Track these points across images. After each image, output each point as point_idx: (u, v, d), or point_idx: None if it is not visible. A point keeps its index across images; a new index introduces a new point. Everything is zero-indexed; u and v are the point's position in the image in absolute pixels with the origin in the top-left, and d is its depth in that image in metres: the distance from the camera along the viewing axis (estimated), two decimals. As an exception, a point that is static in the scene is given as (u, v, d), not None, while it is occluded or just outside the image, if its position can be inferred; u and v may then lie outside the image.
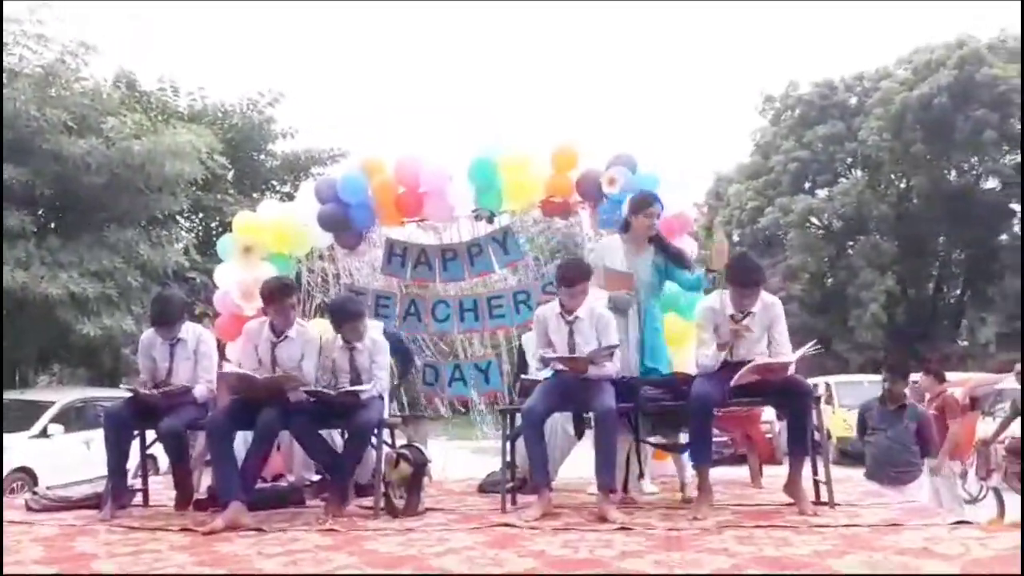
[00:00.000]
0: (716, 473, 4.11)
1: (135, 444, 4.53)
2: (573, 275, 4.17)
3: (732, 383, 3.80)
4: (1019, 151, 20.54)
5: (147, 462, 4.81)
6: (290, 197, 12.57)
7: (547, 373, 4.21)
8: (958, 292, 24.86)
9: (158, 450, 4.70)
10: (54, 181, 10.47)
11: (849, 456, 10.39)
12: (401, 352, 5.64)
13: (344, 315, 4.40)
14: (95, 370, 13.16)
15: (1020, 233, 20.02)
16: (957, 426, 6.50)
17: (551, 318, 4.22)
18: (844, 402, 13.08)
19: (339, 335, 4.42)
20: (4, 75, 10.16)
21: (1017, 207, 22.23)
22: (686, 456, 4.62)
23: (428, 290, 6.77)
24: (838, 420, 12.56)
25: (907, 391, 5.86)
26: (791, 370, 3.89)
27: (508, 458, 4.29)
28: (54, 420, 9.25)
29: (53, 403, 9.56)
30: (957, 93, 20.30)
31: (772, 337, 4.00)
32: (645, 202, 4.64)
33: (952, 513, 4.31)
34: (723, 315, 3.96)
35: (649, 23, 59.18)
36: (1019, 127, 20.01)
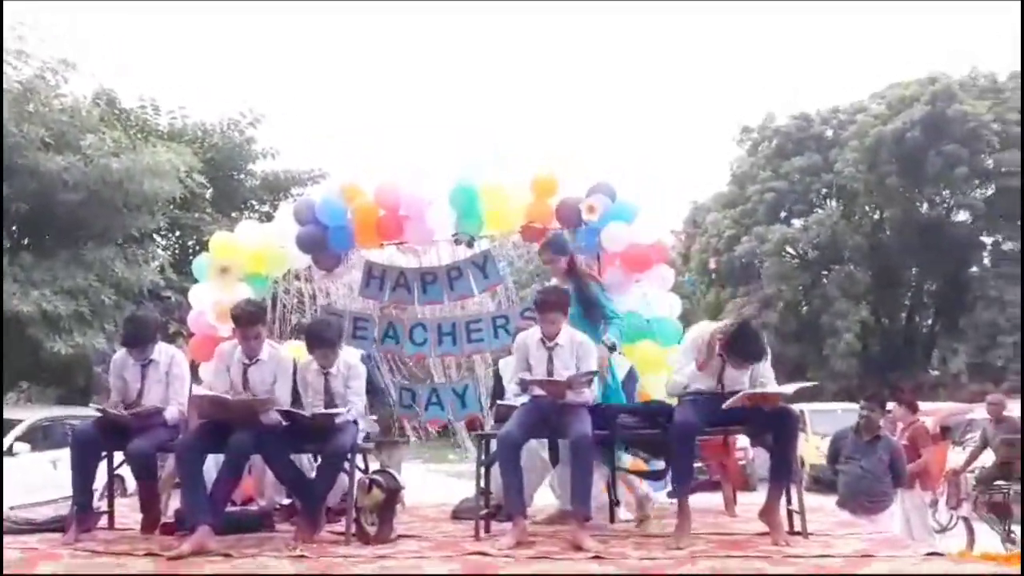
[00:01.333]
0: (690, 500, 4.08)
1: (102, 465, 4.44)
2: (548, 301, 4.17)
3: (725, 406, 3.79)
4: (991, 184, 20.98)
5: (114, 483, 4.72)
6: (269, 217, 12.49)
7: (524, 399, 4.19)
8: (930, 322, 25.17)
9: (126, 472, 4.61)
10: (30, 197, 10.34)
11: (821, 483, 10.42)
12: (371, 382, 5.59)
13: (318, 341, 4.35)
14: (66, 388, 12.93)
15: (1020, 242, 20.17)
16: (928, 454, 6.56)
17: (532, 344, 4.22)
18: (817, 429, 13.14)
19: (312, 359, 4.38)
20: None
21: (988, 240, 22.63)
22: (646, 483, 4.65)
23: (406, 313, 6.73)
24: (811, 448, 12.61)
25: (882, 422, 5.91)
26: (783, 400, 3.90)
27: (483, 484, 4.25)
28: (20, 439, 9.04)
29: (20, 421, 9.36)
30: (929, 128, 20.70)
31: (755, 371, 4.00)
32: (547, 247, 5.05)
33: (923, 543, 4.33)
34: (712, 354, 3.96)
35: (630, 52, 59.98)
36: (989, 163, 20.44)
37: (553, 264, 4.98)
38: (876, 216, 24.48)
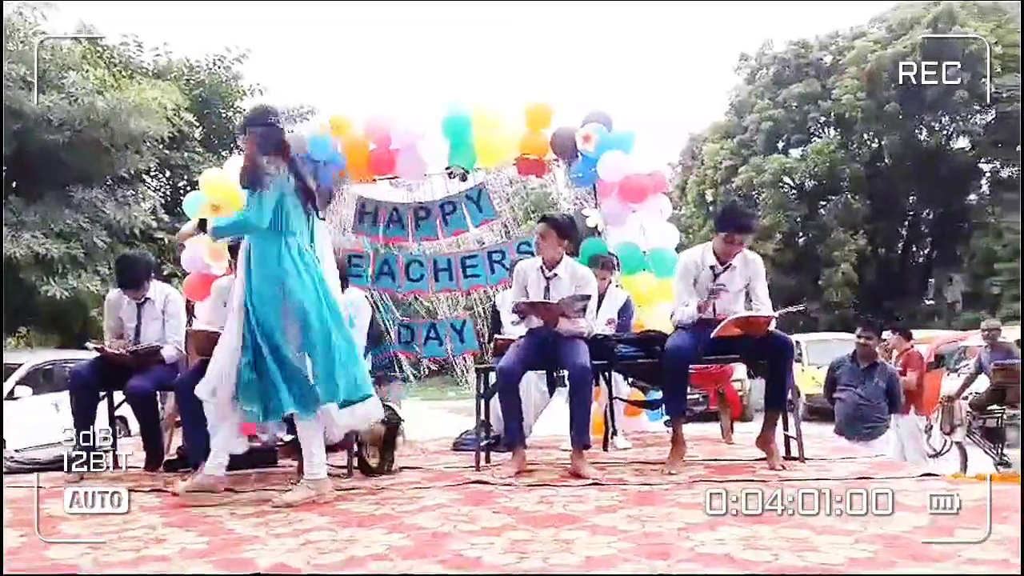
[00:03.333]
0: (688, 430, 4.13)
1: (103, 405, 4.46)
2: (548, 221, 4.16)
3: (713, 335, 3.80)
4: (992, 111, 20.73)
5: (116, 424, 4.76)
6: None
7: (521, 330, 4.19)
8: (927, 251, 25.23)
9: (128, 412, 4.64)
10: (14, 138, 10.16)
11: (817, 413, 10.58)
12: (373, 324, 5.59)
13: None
14: (63, 333, 12.96)
15: (1020, 169, 20.06)
16: (914, 376, 6.63)
17: (531, 271, 4.20)
18: (813, 360, 13.28)
19: None
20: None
21: (986, 167, 22.49)
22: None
23: (401, 249, 6.70)
24: (807, 378, 12.76)
25: (878, 349, 5.95)
26: (772, 325, 3.91)
27: (483, 417, 4.29)
28: (21, 382, 9.09)
29: (20, 365, 9.40)
30: (930, 52, 20.35)
31: (753, 293, 4.01)
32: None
33: (918, 466, 4.40)
34: (704, 268, 3.96)
35: (625, -21, 58.33)
36: (990, 88, 20.15)
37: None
38: (875, 144, 24.28)
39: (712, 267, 3.95)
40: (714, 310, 3.94)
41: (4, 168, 10.56)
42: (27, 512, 3.24)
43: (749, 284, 4.01)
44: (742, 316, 3.85)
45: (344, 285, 4.31)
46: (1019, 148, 19.63)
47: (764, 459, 3.88)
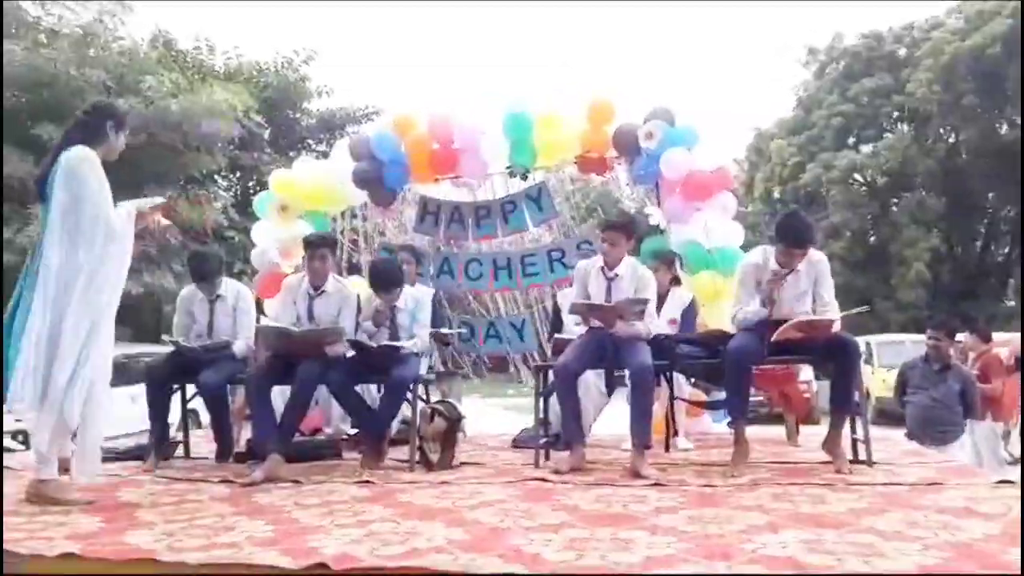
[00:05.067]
0: (752, 431, 4.07)
1: (176, 398, 4.64)
2: (611, 222, 4.18)
3: (773, 338, 3.74)
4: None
5: (188, 416, 4.94)
6: (325, 156, 12.58)
7: (582, 330, 4.20)
8: (1006, 250, 24.19)
9: (199, 404, 4.81)
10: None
11: (887, 416, 10.26)
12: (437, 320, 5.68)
13: (382, 281, 4.41)
14: (138, 328, 13.49)
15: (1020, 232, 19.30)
16: (998, 384, 6.38)
17: (592, 271, 4.20)
18: (884, 362, 12.89)
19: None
20: (44, 35, 10.26)
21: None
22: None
23: (461, 248, 6.77)
24: (877, 380, 12.39)
25: (952, 351, 5.75)
26: (836, 328, 3.82)
27: (542, 414, 4.31)
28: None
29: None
30: (1011, 43, 19.49)
31: (817, 295, 3.93)
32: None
33: (994, 473, 4.24)
34: (766, 271, 3.89)
35: (689, -26, 57.54)
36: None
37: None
38: (951, 139, 23.38)
39: (775, 271, 3.88)
40: (775, 311, 3.87)
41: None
42: (106, 499, 3.40)
43: (815, 285, 3.93)
44: (804, 320, 3.77)
45: (400, 283, 4.40)
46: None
47: (830, 462, 3.80)
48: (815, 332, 3.78)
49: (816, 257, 3.97)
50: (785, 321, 3.77)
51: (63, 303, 3.25)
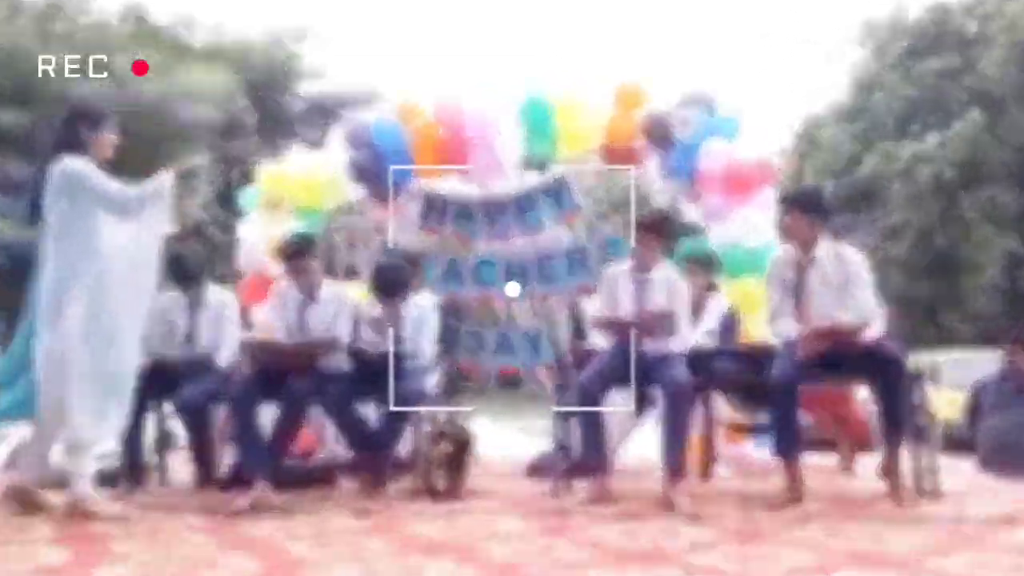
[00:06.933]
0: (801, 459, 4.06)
1: (152, 417, 4.69)
2: (644, 222, 4.19)
3: (801, 354, 3.74)
4: None
5: (165, 437, 4.98)
6: (319, 145, 12.66)
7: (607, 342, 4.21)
8: (1096, 254, 23.98)
9: (177, 424, 4.85)
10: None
11: (957, 442, 10.20)
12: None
13: (386, 286, 4.44)
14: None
15: None
16: None
17: (620, 277, 4.22)
18: (952, 381, 12.79)
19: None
20: (3, 9, 10.39)
21: None
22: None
23: (470, 249, 6.78)
24: (945, 401, 12.29)
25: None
26: (872, 333, 3.79)
27: (561, 438, 4.33)
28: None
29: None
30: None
31: (852, 296, 3.90)
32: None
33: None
34: (791, 265, 3.89)
35: (729, -61, 57.46)
36: None
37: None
38: (1029, 127, 23.21)
39: (797, 262, 3.87)
40: (805, 316, 3.85)
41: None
42: (74, 528, 3.45)
43: (848, 286, 3.91)
44: (824, 327, 3.77)
45: (407, 288, 4.43)
46: None
47: (890, 494, 3.79)
48: (841, 339, 3.76)
49: (849, 252, 3.97)
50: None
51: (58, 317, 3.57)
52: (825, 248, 3.93)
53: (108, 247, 3.71)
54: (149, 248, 3.83)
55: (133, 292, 3.76)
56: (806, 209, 4.02)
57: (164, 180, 3.85)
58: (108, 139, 3.89)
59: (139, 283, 3.79)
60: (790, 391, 3.80)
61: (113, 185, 3.75)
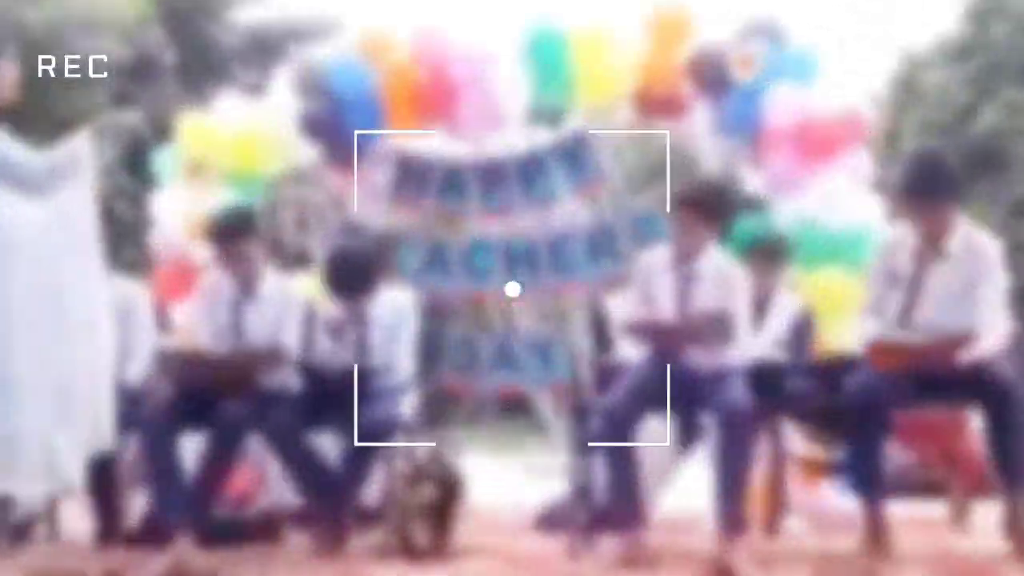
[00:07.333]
0: (897, 509, 4.08)
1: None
2: (686, 196, 4.19)
3: (881, 368, 3.78)
4: None
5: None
6: (259, 90, 12.68)
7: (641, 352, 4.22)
8: None
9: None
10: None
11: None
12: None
13: (344, 280, 4.45)
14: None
15: None
16: None
17: (656, 268, 4.23)
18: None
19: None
20: None
21: None
22: None
23: (461, 229, 6.78)
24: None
25: None
26: (982, 351, 3.80)
27: (581, 479, 4.33)
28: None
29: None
30: None
31: (980, 299, 3.93)
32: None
33: None
34: (905, 254, 3.90)
35: None
36: None
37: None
38: None
39: (920, 252, 3.89)
40: (912, 320, 3.87)
41: None
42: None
43: (976, 284, 3.94)
44: (912, 343, 3.78)
45: (375, 281, 4.44)
46: None
47: (1015, 554, 3.80)
48: (943, 357, 3.79)
49: (980, 241, 3.99)
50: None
51: None
52: (961, 238, 3.93)
53: (8, 232, 3.64)
54: (71, 231, 3.78)
55: (51, 289, 3.69)
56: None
57: (79, 145, 3.81)
58: (3, 74, 3.83)
59: (62, 276, 3.74)
60: (874, 412, 3.84)
61: (15, 152, 3.70)
